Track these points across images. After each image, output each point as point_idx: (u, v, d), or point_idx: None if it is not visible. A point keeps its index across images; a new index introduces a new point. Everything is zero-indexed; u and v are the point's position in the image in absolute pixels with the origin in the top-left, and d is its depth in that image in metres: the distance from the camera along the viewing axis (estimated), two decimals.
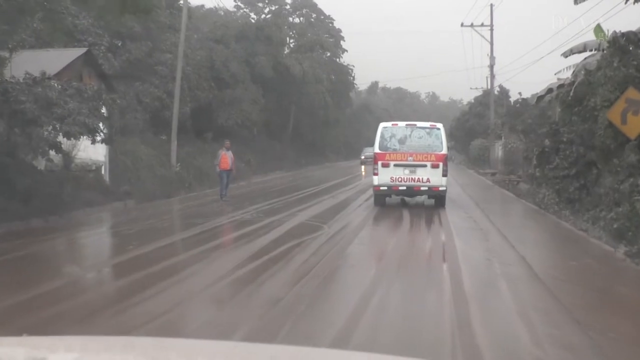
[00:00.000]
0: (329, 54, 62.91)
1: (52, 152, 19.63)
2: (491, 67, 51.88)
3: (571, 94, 18.90)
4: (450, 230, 15.03)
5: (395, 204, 21.73)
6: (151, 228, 16.44)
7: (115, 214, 20.34)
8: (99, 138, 20.18)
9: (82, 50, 23.76)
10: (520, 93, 37.08)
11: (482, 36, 50.78)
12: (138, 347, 1.70)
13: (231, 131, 44.75)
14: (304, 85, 53.47)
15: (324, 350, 2.29)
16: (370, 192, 24.14)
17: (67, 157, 22.11)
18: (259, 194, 27.00)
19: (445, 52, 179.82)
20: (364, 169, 47.18)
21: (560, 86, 21.08)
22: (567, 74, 21.77)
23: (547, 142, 27.14)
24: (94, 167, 24.03)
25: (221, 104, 43.35)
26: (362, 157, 58.40)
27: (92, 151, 23.61)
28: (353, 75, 66.45)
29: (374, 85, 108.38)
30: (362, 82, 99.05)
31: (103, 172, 24.71)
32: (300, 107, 56.82)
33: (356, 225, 15.80)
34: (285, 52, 54.43)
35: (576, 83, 19.00)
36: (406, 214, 18.62)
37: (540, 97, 23.14)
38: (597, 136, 18.04)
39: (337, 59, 64.58)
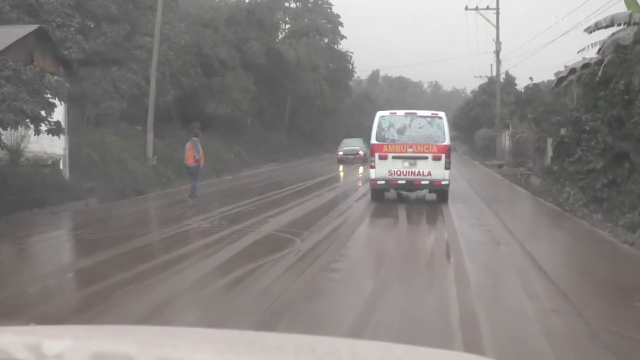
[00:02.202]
0: (326, 41, 59.74)
1: None
2: (497, 52, 48.73)
3: (599, 74, 15.81)
4: (459, 247, 11.33)
5: (392, 203, 18.61)
6: (79, 239, 13.39)
7: (64, 216, 17.30)
8: (44, 128, 17.14)
9: (32, 27, 20.64)
10: (531, 78, 33.83)
11: (488, 20, 47.74)
12: (140, 334, 1.66)
13: (221, 121, 41.77)
14: (299, 72, 50.29)
15: (332, 338, 1.89)
16: (365, 189, 21.23)
17: (15, 150, 19.11)
18: (237, 191, 23.75)
19: (448, 38, 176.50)
20: (343, 169, 37.97)
21: (585, 66, 17.95)
22: (592, 53, 18.64)
23: (562, 131, 24.13)
24: (49, 162, 21.00)
25: (209, 92, 40.25)
26: (340, 153, 45.86)
27: (47, 143, 20.58)
28: (352, 62, 63.26)
29: (375, 74, 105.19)
30: (362, 70, 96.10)
31: (62, 166, 21.66)
32: (296, 96, 53.69)
33: (338, 240, 11.99)
34: (279, 38, 51.23)
35: (606, 61, 15.90)
36: (404, 223, 15.06)
37: (561, 79, 20.02)
38: (631, 124, 14.99)
39: (335, 46, 61.38)
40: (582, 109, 19.36)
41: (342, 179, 30.04)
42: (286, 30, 54.50)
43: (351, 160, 44.19)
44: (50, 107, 16.98)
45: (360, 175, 31.33)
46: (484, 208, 17.83)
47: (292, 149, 53.55)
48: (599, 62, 17.06)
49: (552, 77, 38.60)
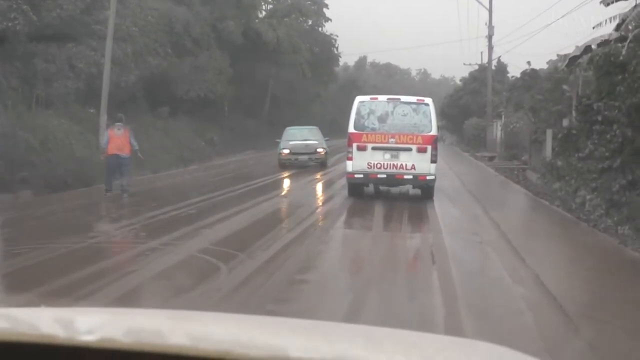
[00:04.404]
0: (310, 23, 56.40)
1: None
2: (489, 37, 45.82)
3: (623, 52, 12.84)
4: (455, 291, 7.44)
5: (367, 207, 15.51)
6: None
7: None
8: None
9: None
10: (529, 62, 30.87)
11: (480, 2, 44.67)
12: (169, 314, 1.59)
13: (194, 105, 38.64)
14: (279, 55, 47.03)
15: (345, 324, 2.25)
16: (338, 189, 18.38)
17: None
18: (190, 186, 20.47)
19: (438, 23, 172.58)
20: (288, 181, 23.32)
21: (604, 43, 14.96)
22: (609, 29, 15.63)
23: (565, 122, 21.22)
24: None
25: (180, 74, 37.00)
26: (285, 152, 28.05)
27: None
28: (337, 46, 59.94)
29: (362, 60, 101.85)
30: (349, 55, 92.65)
31: None
32: (278, 81, 50.47)
33: (284, 266, 8.71)
34: (258, 18, 47.90)
35: (631, 36, 12.92)
36: (379, 245, 11.20)
37: (573, 59, 17.03)
38: None
39: (320, 29, 58.07)
40: (593, 96, 16.43)
41: (319, 173, 25.83)
42: (266, 10, 51.08)
43: (303, 163, 27.52)
44: None
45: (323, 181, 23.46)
46: (481, 214, 14.57)
47: (273, 136, 50.20)
48: (620, 39, 14.10)
49: (545, 66, 35.82)
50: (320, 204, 17.49)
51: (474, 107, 53.04)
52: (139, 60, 31.99)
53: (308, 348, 1.13)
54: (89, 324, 1.14)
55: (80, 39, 28.97)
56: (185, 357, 1.05)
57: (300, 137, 28.93)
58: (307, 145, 28.18)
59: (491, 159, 35.49)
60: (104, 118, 24.75)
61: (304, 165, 27.08)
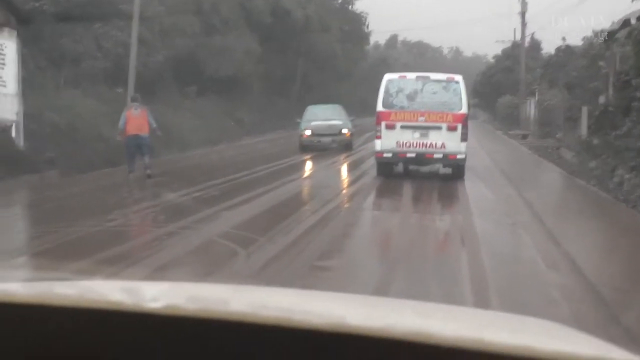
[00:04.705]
0: (339, 0, 55.60)
1: None
2: (522, 14, 44.71)
3: None
4: (485, 278, 6.93)
5: (395, 189, 14.97)
6: None
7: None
8: None
9: None
10: (564, 39, 29.86)
11: None
12: (218, 287, 1.72)
13: (222, 85, 38.28)
14: (309, 33, 46.35)
15: (390, 299, 2.33)
16: (367, 169, 17.95)
17: None
18: (216, 166, 20.01)
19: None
20: (315, 161, 21.76)
21: None
22: None
23: (601, 99, 20.45)
24: None
25: (209, 53, 36.62)
26: (307, 134, 25.53)
27: None
28: (367, 24, 59.06)
29: (393, 38, 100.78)
30: (380, 33, 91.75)
31: (14, 134, 18.39)
32: (308, 59, 49.84)
33: (306, 250, 8.25)
34: None
35: None
36: (406, 227, 10.55)
37: (611, 34, 16.30)
38: None
39: (350, 7, 57.26)
40: (631, 72, 15.70)
41: (349, 152, 25.01)
42: None
43: (326, 145, 24.91)
44: None
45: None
46: (513, 196, 13.85)
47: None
48: None
49: (581, 42, 34.74)
50: (347, 184, 17.04)
51: (506, 84, 51.97)
52: (167, 39, 31.73)
53: (365, 317, 1.14)
54: (153, 292, 1.17)
55: (108, 19, 28.77)
56: (247, 323, 1.06)
57: (323, 117, 26.11)
58: (330, 125, 25.47)
59: (524, 136, 34.68)
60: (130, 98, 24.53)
61: (327, 147, 24.57)
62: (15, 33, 18.41)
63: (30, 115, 19.52)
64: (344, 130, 25.71)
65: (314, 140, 25.05)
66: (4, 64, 17.91)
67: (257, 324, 1.06)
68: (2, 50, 17.75)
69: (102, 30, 28.42)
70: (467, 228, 10.21)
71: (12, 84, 18.42)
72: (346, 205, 13.05)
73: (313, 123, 25.57)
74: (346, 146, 25.29)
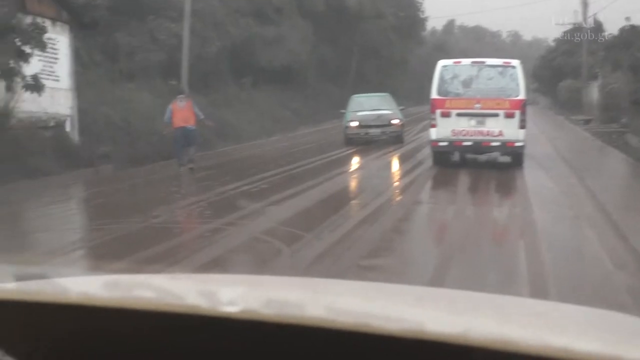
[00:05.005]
0: None
1: None
2: None
3: None
4: (545, 279, 6.44)
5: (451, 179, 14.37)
6: None
7: (48, 190, 13.89)
8: (19, 84, 13.85)
9: None
10: (628, 18, 28.47)
11: None
12: (310, 284, 1.72)
13: (276, 75, 37.98)
14: (363, 20, 45.65)
15: (461, 291, 2.06)
16: (424, 158, 17.46)
17: (2, 111, 15.92)
18: (266, 158, 19.52)
19: None
20: (368, 152, 20.66)
21: None
22: None
23: None
24: (51, 123, 17.78)
25: (263, 44, 36.34)
26: (353, 125, 23.22)
27: (47, 102, 17.41)
28: (422, 10, 57.99)
29: (450, 24, 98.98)
30: (437, 18, 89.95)
31: (68, 128, 18.43)
32: (363, 47, 49.15)
33: (353, 248, 7.78)
34: None
35: None
36: (460, 222, 9.82)
37: None
38: None
39: None
40: None
41: (404, 141, 24.18)
42: None
43: (375, 138, 22.72)
44: (24, 58, 13.55)
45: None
46: (575, 185, 12.86)
47: None
48: None
49: None
50: (401, 175, 16.48)
51: (567, 68, 50.39)
52: (220, 30, 31.56)
53: (442, 322, 1.12)
54: (230, 295, 1.17)
55: (161, 11, 28.76)
56: (324, 329, 1.06)
57: (370, 107, 23.65)
58: (379, 116, 22.99)
59: (587, 122, 33.45)
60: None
61: (375, 140, 22.35)
62: (67, 28, 18.44)
63: (84, 109, 19.56)
64: (395, 121, 23.22)
65: (361, 133, 22.84)
66: (57, 58, 17.93)
67: (333, 329, 1.05)
68: (55, 45, 17.73)
69: (155, 22, 28.41)
70: (525, 222, 9.61)
71: (65, 78, 18.47)
72: (398, 198, 12.54)
73: (360, 113, 23.13)
74: (397, 138, 23.06)
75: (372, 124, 22.80)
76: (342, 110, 24.98)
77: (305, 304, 1.15)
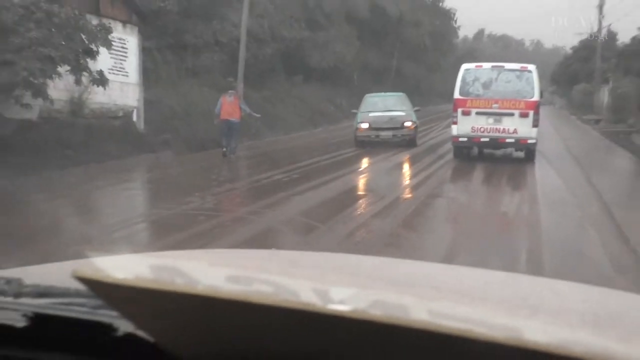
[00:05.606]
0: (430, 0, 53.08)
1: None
2: (600, 7, 40.99)
3: None
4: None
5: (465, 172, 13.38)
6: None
7: (112, 173, 13.32)
8: (87, 78, 13.30)
9: None
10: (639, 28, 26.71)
11: None
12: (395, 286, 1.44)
13: (324, 74, 37.05)
14: (402, 28, 44.27)
15: (442, 265, 1.90)
16: (445, 157, 16.53)
17: (75, 102, 15.45)
18: (307, 148, 18.55)
19: None
20: (368, 161, 16.13)
21: None
22: None
23: None
24: (120, 114, 17.27)
25: (313, 46, 35.39)
26: (363, 126, 19.07)
27: (117, 95, 16.90)
28: (455, 19, 56.15)
29: (480, 33, 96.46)
30: (468, 26, 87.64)
31: (135, 118, 17.91)
32: (401, 52, 47.84)
33: (364, 240, 7.04)
34: None
35: None
36: (467, 218, 8.86)
37: None
38: None
39: (440, 4, 54.55)
40: None
41: (427, 136, 23.13)
42: None
43: (385, 141, 19.02)
44: (90, 55, 12.96)
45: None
46: (583, 184, 11.68)
47: None
48: None
49: None
50: (421, 170, 15.43)
51: (582, 74, 48.27)
52: (276, 34, 30.75)
53: (543, 330, 0.97)
54: (341, 294, 1.06)
55: (224, 16, 28.10)
56: (427, 332, 0.96)
57: (383, 107, 19.72)
58: (391, 117, 19.03)
59: (597, 121, 31.70)
60: (240, 86, 23.73)
61: (386, 143, 18.78)
62: (136, 29, 17.87)
63: (150, 101, 19.05)
64: (407, 123, 19.11)
65: (372, 135, 18.93)
66: (126, 56, 17.42)
67: (436, 333, 0.93)
68: (125, 44, 17.23)
69: (219, 26, 27.79)
70: (530, 220, 8.56)
71: (133, 74, 17.95)
72: (413, 193, 11.54)
73: (371, 114, 19.17)
74: (409, 142, 19.09)
75: (384, 126, 18.94)
76: (354, 110, 20.89)
77: (408, 306, 1.00)
